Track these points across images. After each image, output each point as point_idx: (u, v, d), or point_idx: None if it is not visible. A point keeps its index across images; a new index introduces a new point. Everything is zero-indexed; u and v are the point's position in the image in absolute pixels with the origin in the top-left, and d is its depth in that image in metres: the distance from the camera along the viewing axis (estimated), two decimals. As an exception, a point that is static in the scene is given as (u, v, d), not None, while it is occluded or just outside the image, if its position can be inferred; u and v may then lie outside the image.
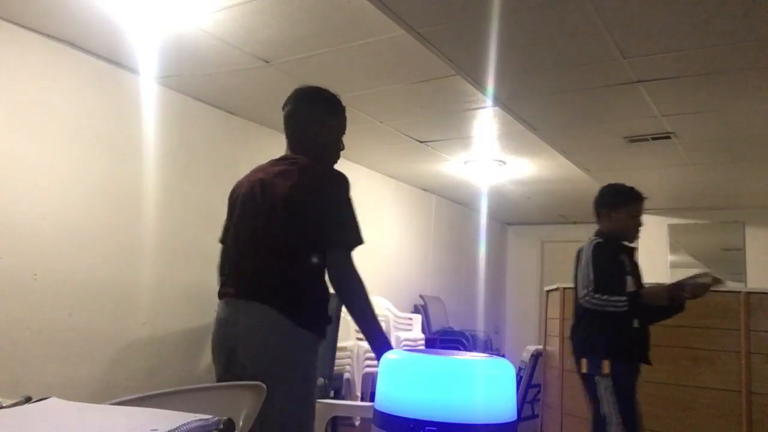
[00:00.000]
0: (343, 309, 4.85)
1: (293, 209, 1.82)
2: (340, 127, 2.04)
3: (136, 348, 3.67)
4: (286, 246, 1.82)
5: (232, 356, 1.81)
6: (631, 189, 2.87)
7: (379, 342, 1.83)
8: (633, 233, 2.84)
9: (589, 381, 2.70)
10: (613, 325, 2.65)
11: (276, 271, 1.81)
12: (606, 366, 2.62)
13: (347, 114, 2.08)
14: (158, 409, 0.91)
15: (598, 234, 2.85)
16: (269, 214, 1.86)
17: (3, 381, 3.00)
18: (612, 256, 2.74)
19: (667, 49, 2.89)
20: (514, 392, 1.34)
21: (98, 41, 3.32)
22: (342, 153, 2.08)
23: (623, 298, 2.59)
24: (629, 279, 2.73)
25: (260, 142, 4.58)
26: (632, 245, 2.85)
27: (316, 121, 1.98)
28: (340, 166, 2.06)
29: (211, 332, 1.92)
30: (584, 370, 2.72)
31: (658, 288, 2.68)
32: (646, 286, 2.82)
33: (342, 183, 1.88)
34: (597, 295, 2.60)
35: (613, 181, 2.96)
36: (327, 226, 1.82)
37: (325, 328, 1.88)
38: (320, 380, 3.73)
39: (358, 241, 1.84)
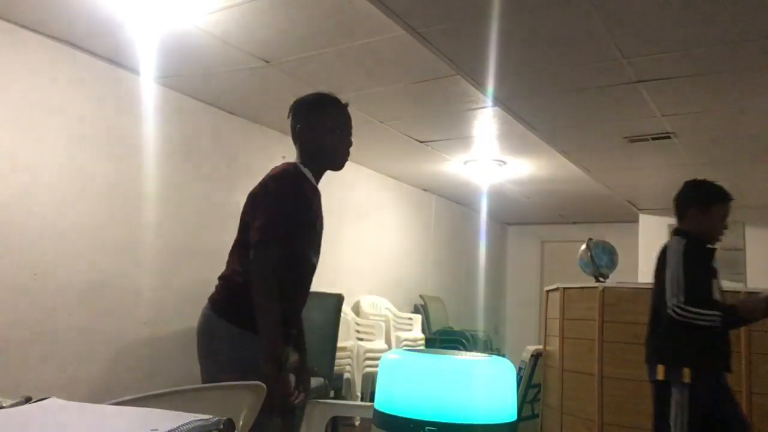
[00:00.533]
0: (344, 309, 4.80)
1: (247, 210, 1.92)
2: (328, 124, 1.97)
3: (136, 348, 3.67)
4: (237, 245, 1.92)
5: None
6: (721, 188, 2.71)
7: (264, 345, 1.72)
8: (719, 235, 2.66)
9: (663, 390, 2.48)
10: (697, 333, 2.44)
11: (227, 270, 1.92)
12: (686, 375, 2.41)
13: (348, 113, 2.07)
14: (158, 409, 0.90)
15: (681, 233, 2.65)
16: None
17: (3, 381, 3.00)
18: (703, 261, 2.56)
19: (667, 49, 2.89)
20: (514, 392, 1.34)
21: (98, 41, 3.32)
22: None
23: (717, 313, 2.38)
24: (714, 283, 2.57)
25: (260, 142, 4.58)
26: (714, 247, 2.68)
27: (299, 122, 1.98)
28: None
29: None
30: (660, 377, 2.49)
31: (755, 301, 2.46)
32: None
33: (282, 180, 1.87)
34: (688, 307, 2.39)
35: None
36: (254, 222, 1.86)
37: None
38: (320, 380, 3.73)
39: (271, 235, 1.78)
